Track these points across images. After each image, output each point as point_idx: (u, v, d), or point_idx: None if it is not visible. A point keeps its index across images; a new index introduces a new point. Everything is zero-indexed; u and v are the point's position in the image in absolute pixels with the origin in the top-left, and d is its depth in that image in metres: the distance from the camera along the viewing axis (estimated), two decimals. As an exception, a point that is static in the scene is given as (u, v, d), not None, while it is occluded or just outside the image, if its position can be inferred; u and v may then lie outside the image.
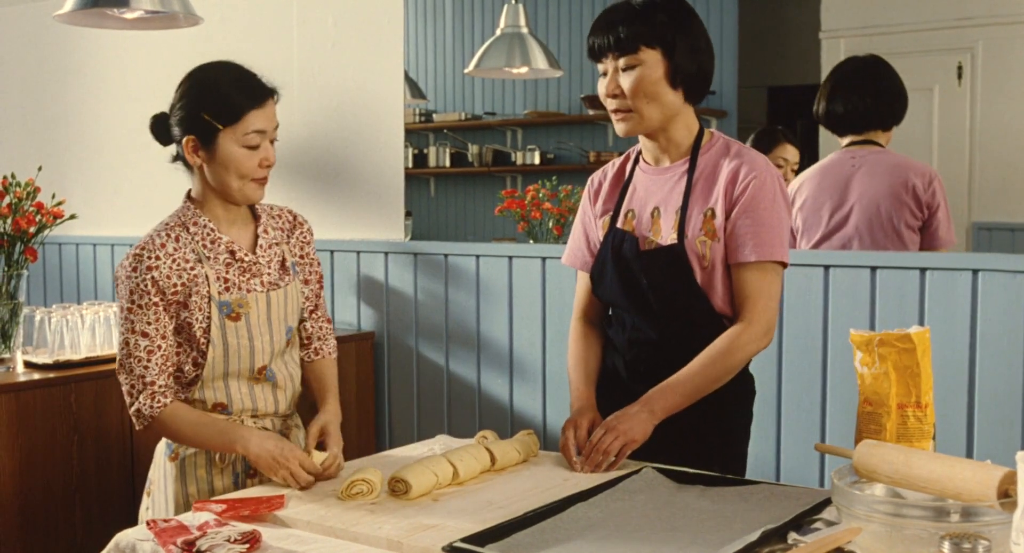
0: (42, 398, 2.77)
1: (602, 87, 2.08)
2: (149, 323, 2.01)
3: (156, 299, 2.01)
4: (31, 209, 2.95)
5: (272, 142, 2.10)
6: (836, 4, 5.46)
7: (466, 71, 5.04)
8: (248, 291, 2.08)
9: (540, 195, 4.46)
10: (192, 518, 1.75)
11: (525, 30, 4.68)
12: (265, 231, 2.16)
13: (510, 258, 3.41)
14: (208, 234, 2.08)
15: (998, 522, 1.39)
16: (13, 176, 2.98)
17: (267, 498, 1.80)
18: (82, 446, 2.85)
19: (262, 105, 2.06)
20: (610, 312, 2.23)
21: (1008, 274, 2.60)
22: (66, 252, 4.52)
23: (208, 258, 2.07)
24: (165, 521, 1.71)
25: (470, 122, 7.18)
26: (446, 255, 3.53)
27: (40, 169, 3.30)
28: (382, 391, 3.67)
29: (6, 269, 2.91)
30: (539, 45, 4.71)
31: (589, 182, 2.25)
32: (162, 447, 2.16)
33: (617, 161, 2.24)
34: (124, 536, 1.71)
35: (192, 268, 2.04)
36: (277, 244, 2.17)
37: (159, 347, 2.02)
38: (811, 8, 5.59)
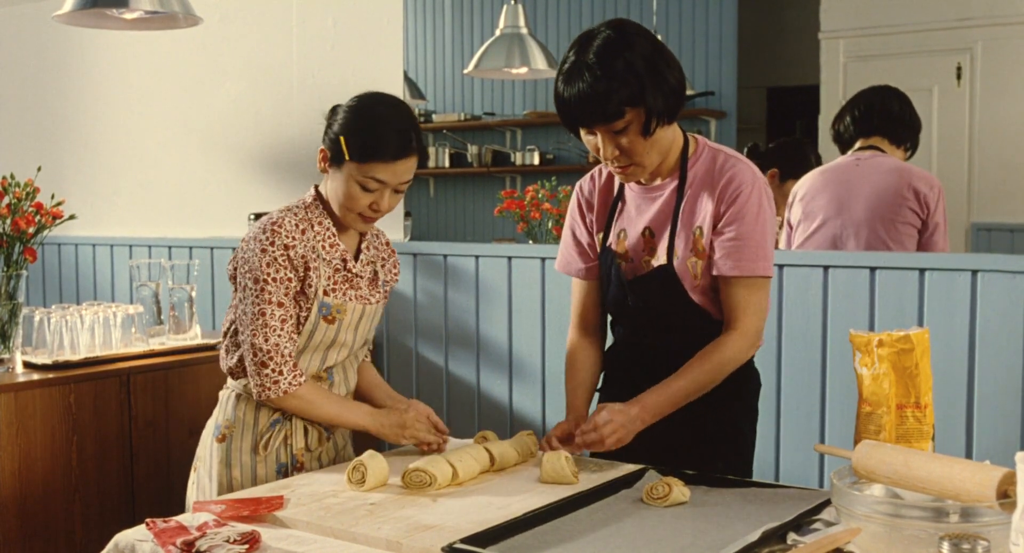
0: (42, 398, 2.76)
1: (591, 145, 1.99)
2: (285, 294, 2.08)
3: (291, 274, 2.09)
4: (30, 209, 2.95)
5: (397, 191, 2.11)
6: (835, 5, 5.46)
7: (465, 72, 5.04)
8: (350, 299, 2.16)
9: (539, 195, 4.45)
10: (191, 518, 1.75)
11: (524, 30, 4.68)
12: (368, 247, 2.24)
13: (509, 259, 3.41)
14: (329, 238, 2.15)
15: (997, 523, 1.39)
16: (12, 176, 2.97)
17: (266, 498, 1.80)
18: (82, 446, 2.85)
19: (392, 161, 2.06)
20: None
21: (1007, 275, 2.60)
22: (65, 252, 4.52)
23: (324, 259, 2.13)
24: (164, 521, 1.71)
25: (469, 122, 7.18)
26: (445, 256, 3.53)
27: (39, 169, 3.30)
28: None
29: (5, 269, 2.91)
30: (538, 45, 4.71)
31: (577, 189, 2.22)
32: (211, 426, 2.23)
33: (604, 170, 2.19)
34: (124, 536, 1.71)
35: (315, 259, 2.12)
36: (373, 261, 2.25)
37: (291, 316, 2.09)
38: (810, 9, 5.59)
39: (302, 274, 2.10)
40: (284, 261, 2.07)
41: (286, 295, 2.08)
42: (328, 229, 2.15)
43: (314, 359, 2.16)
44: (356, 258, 2.20)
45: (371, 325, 2.23)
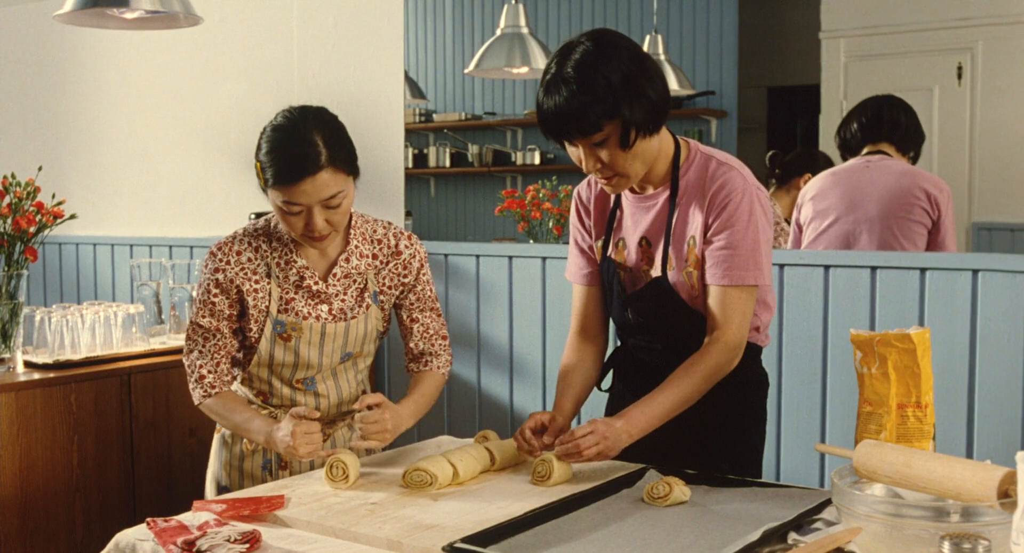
0: (42, 398, 2.77)
1: (574, 156, 1.98)
2: (204, 316, 2.11)
3: (217, 298, 2.10)
4: (31, 209, 2.95)
5: (330, 207, 1.98)
6: (836, 4, 5.45)
7: (466, 71, 5.04)
8: (305, 318, 2.10)
9: (540, 195, 4.45)
10: (192, 518, 1.75)
11: (525, 30, 4.68)
12: (347, 259, 2.12)
13: (510, 258, 3.41)
14: (285, 254, 2.10)
15: (998, 522, 1.39)
16: (13, 176, 2.97)
17: (267, 498, 1.80)
18: (82, 446, 2.85)
19: (295, 183, 1.94)
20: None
21: (1008, 274, 2.60)
22: (66, 252, 4.52)
23: (278, 276, 2.10)
24: (165, 520, 1.71)
25: (470, 122, 7.18)
26: (446, 255, 3.53)
27: (40, 169, 3.30)
28: (382, 391, 3.66)
29: (6, 269, 2.91)
30: (539, 45, 4.71)
31: (576, 196, 2.20)
32: None
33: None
34: (124, 536, 1.71)
35: (259, 280, 2.09)
36: (360, 273, 2.14)
37: (213, 335, 2.11)
38: (811, 8, 5.59)
39: (235, 296, 2.09)
40: (212, 284, 2.09)
41: (212, 315, 2.10)
42: (286, 245, 2.10)
43: (284, 371, 2.15)
44: (328, 274, 2.11)
45: (349, 340, 2.14)
